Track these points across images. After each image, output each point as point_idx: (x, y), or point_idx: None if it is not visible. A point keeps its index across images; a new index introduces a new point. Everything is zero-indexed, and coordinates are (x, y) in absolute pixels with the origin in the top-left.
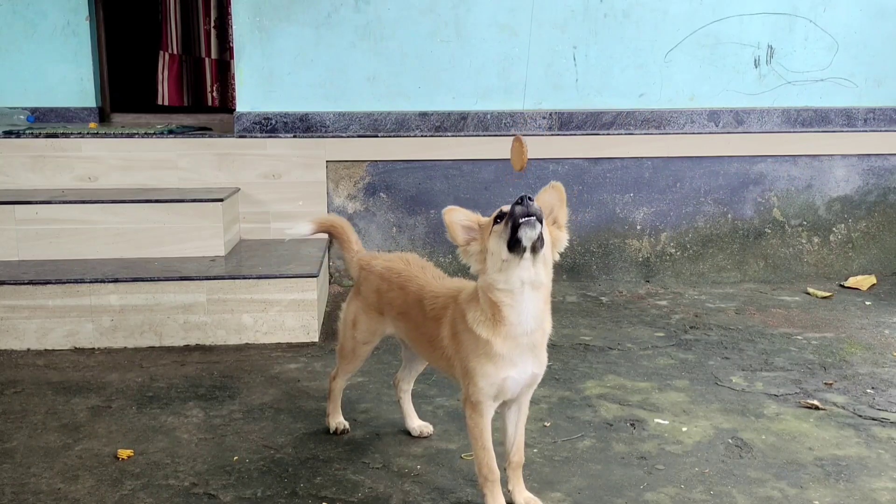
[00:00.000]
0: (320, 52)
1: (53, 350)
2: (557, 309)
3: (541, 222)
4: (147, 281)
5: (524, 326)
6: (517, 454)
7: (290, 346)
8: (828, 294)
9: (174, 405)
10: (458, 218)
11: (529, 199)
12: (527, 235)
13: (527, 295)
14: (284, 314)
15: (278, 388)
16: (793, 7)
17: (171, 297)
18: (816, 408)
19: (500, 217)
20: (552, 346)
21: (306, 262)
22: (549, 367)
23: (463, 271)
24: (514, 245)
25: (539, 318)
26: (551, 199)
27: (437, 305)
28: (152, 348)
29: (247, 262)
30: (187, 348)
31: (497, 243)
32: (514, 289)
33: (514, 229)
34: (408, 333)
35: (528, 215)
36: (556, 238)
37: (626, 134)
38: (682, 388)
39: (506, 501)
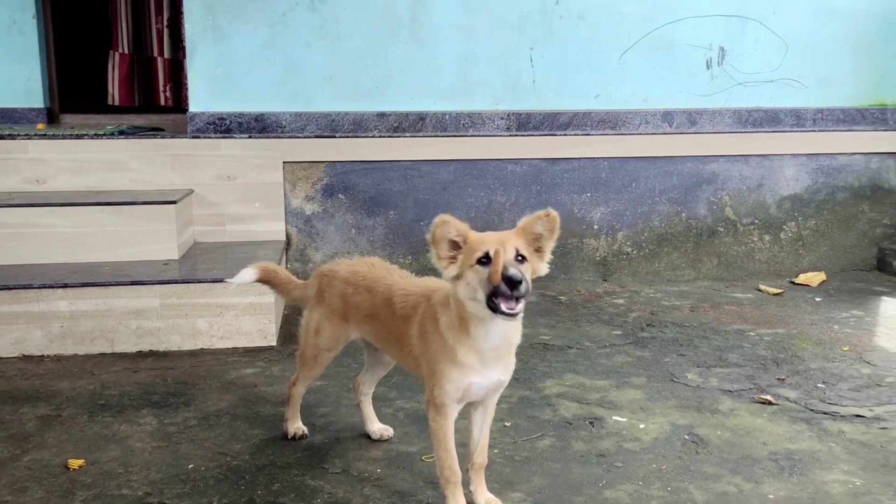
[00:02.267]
0: (276, 51)
1: (0, 358)
2: None
3: (523, 297)
4: (98, 286)
5: (489, 344)
6: (480, 456)
7: (247, 351)
8: (779, 291)
9: (127, 413)
10: (449, 232)
11: (518, 283)
12: (504, 310)
13: (494, 325)
14: (241, 318)
15: (234, 394)
16: (743, 9)
17: (123, 302)
18: (770, 403)
19: (485, 259)
20: None
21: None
22: None
23: (426, 271)
24: (491, 307)
25: (506, 338)
26: (542, 228)
27: (408, 304)
28: (104, 355)
29: (201, 266)
30: (140, 354)
31: (475, 282)
32: (483, 318)
33: (493, 301)
34: (376, 334)
35: (514, 298)
36: (535, 268)
37: (582, 134)
38: (639, 386)
39: (467, 502)
